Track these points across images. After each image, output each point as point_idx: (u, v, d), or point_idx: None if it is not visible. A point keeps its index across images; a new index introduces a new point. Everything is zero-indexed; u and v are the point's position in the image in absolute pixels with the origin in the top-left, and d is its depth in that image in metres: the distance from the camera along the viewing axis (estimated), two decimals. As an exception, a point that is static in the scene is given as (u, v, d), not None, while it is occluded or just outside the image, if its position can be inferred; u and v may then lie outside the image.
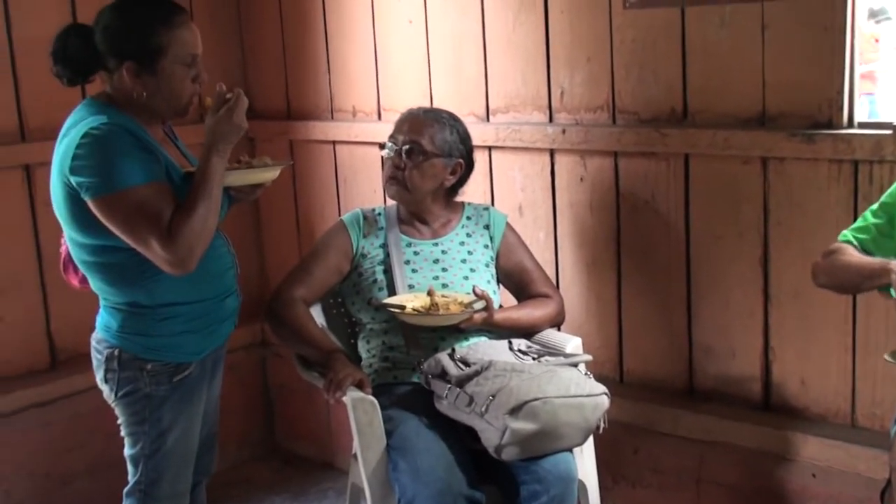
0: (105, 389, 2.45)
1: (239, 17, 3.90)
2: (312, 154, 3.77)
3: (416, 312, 2.57)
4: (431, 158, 2.75)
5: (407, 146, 2.74)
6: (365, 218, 2.87)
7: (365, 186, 3.60)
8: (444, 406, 2.46)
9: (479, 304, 2.61)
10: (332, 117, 3.68)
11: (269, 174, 2.46)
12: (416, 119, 2.80)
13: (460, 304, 2.61)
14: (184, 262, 2.22)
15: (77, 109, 2.37)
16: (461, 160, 2.81)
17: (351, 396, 2.46)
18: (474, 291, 2.63)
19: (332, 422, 3.86)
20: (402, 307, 2.59)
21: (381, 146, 2.83)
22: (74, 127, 2.28)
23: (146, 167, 2.23)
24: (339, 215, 3.62)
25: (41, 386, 3.36)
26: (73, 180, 2.22)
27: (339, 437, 3.82)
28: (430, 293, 2.62)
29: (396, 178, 2.76)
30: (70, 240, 2.37)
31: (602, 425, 2.45)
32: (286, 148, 3.82)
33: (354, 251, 2.82)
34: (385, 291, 2.73)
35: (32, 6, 3.28)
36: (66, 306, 3.40)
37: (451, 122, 2.81)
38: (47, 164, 3.20)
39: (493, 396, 2.33)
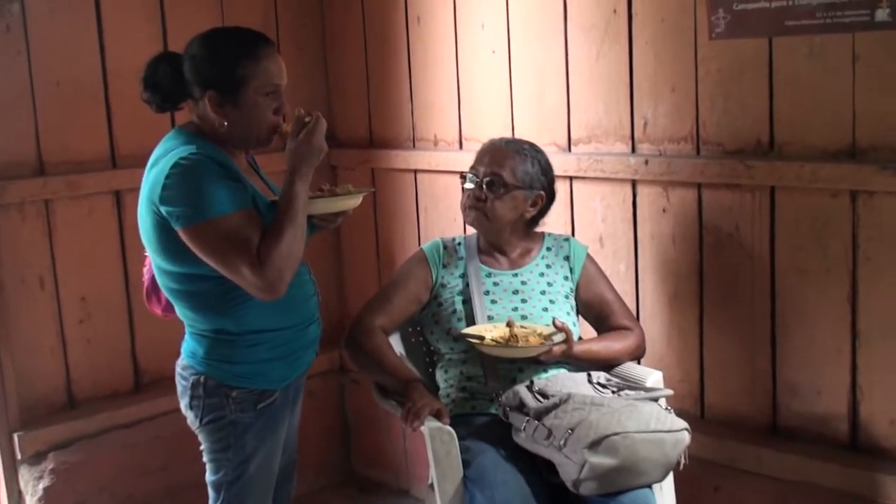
0: (189, 416, 2.47)
1: (324, 49, 3.96)
2: (394, 182, 3.79)
3: (495, 343, 2.56)
4: (512, 191, 2.74)
5: (488, 178, 2.74)
6: (445, 247, 2.87)
7: (445, 215, 3.61)
8: (521, 438, 2.44)
9: (559, 337, 2.59)
10: (414, 146, 3.70)
11: (351, 202, 2.46)
12: (498, 150, 2.79)
13: (539, 335, 2.59)
14: (274, 286, 2.23)
15: (166, 139, 2.41)
16: (542, 192, 2.79)
17: (429, 426, 2.46)
18: (554, 324, 2.60)
19: (408, 450, 3.86)
20: (482, 338, 2.58)
21: (462, 176, 2.83)
22: (164, 157, 2.31)
23: (235, 195, 2.25)
24: (420, 244, 3.66)
25: (125, 408, 3.42)
26: (163, 209, 2.25)
27: (415, 466, 3.82)
28: (509, 324, 2.60)
29: (476, 206, 2.76)
30: (157, 268, 2.41)
31: (682, 462, 2.40)
32: (368, 176, 3.85)
33: (434, 281, 2.82)
34: (464, 322, 2.72)
35: (125, 37, 3.38)
36: (150, 330, 3.46)
37: (532, 153, 2.80)
38: (136, 189, 3.27)
39: (572, 430, 2.31)
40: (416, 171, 3.70)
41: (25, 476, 3.24)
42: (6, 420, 3.18)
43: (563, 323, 2.61)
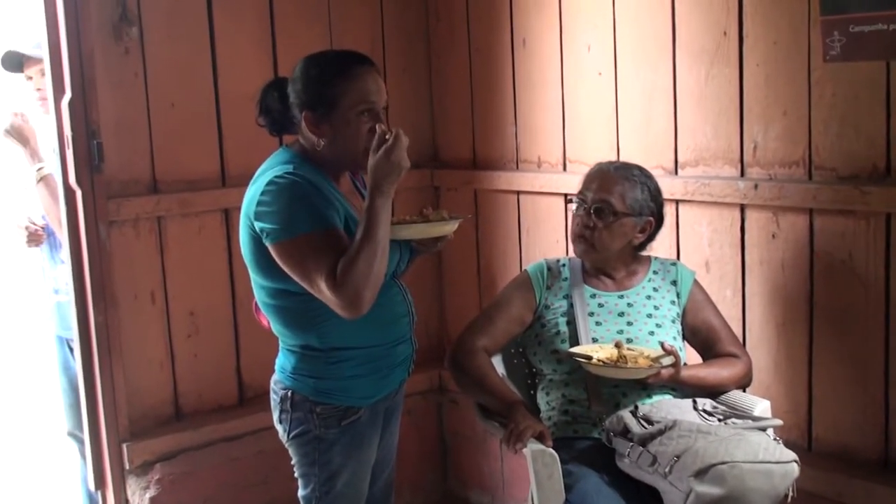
0: (280, 429, 2.52)
1: (430, 70, 4.00)
2: (496, 204, 3.80)
3: (602, 363, 2.53)
4: (621, 218, 2.71)
5: (597, 205, 2.71)
6: (549, 269, 2.86)
7: (548, 237, 3.59)
8: (625, 464, 2.40)
9: (668, 360, 2.55)
10: (518, 168, 3.70)
11: (448, 228, 2.46)
12: (607, 176, 2.75)
13: (647, 358, 2.56)
14: (353, 305, 2.24)
15: (270, 157, 2.47)
16: (651, 218, 2.76)
17: (531, 448, 2.44)
18: (663, 347, 2.57)
19: (505, 471, 3.84)
20: (589, 357, 2.56)
21: (568, 200, 2.81)
22: (263, 174, 2.38)
23: (322, 214, 2.29)
24: (521, 266, 3.66)
25: (229, 422, 3.49)
26: (257, 226, 2.31)
27: (512, 488, 3.80)
28: (617, 346, 2.58)
29: (584, 236, 2.73)
30: (254, 282, 2.47)
31: (790, 495, 2.34)
32: (471, 197, 3.87)
33: (538, 302, 2.81)
34: (567, 343, 2.70)
35: (237, 61, 3.47)
36: (254, 345, 3.53)
37: (642, 178, 2.76)
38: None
39: (678, 457, 2.27)
40: (518, 193, 3.70)
41: (133, 486, 3.32)
42: (116, 430, 3.27)
43: (671, 346, 2.57)
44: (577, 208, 2.75)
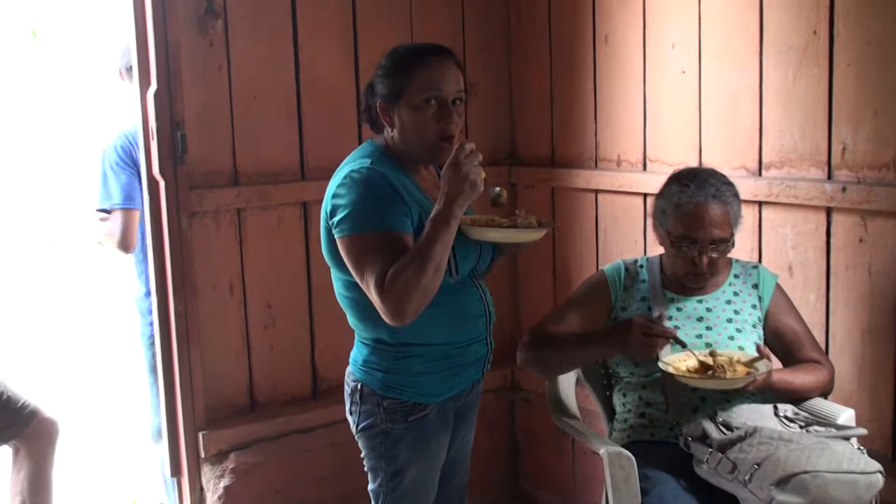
0: (350, 421, 2.53)
1: (509, 67, 3.97)
2: (574, 202, 3.76)
3: (698, 376, 2.46)
4: (732, 239, 2.63)
5: (712, 245, 2.59)
6: (626, 270, 2.82)
7: (626, 237, 3.55)
8: (703, 471, 2.36)
9: (763, 365, 2.47)
10: (596, 166, 3.66)
11: (534, 235, 2.44)
12: (709, 210, 2.58)
13: (739, 362, 2.49)
14: (394, 314, 2.22)
15: (355, 150, 2.48)
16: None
17: (608, 451, 2.41)
18: (758, 349, 2.52)
19: (577, 472, 3.81)
20: (679, 370, 2.49)
21: (673, 240, 2.64)
22: (344, 167, 2.40)
23: (390, 215, 2.28)
24: (598, 265, 3.62)
25: (303, 413, 3.51)
26: (330, 219, 2.33)
27: (584, 489, 3.77)
28: (712, 353, 2.51)
29: (702, 274, 2.63)
30: (332, 273, 2.48)
31: (875, 506, 2.28)
32: (548, 195, 3.84)
33: (613, 303, 2.77)
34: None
35: (319, 55, 3.49)
36: (329, 338, 3.55)
37: (732, 193, 2.64)
38: (321, 202, 3.39)
39: (759, 465, 2.22)
40: (597, 192, 3.66)
41: (207, 474, 3.37)
42: (193, 419, 3.32)
43: (765, 349, 2.51)
44: (690, 252, 2.60)
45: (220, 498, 3.36)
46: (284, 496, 3.48)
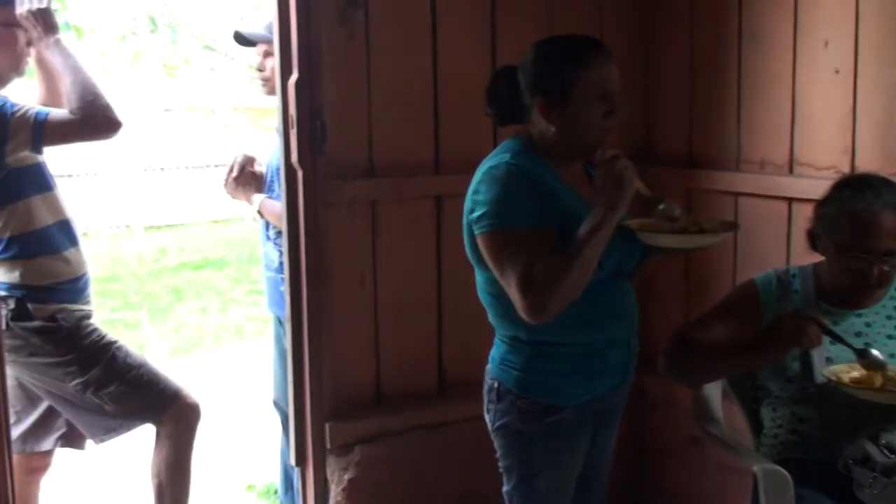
0: (486, 420, 2.50)
1: (647, 64, 3.86)
2: (711, 205, 3.63)
3: (865, 387, 2.34)
4: None
5: (886, 256, 2.44)
6: (779, 280, 2.69)
7: (767, 244, 3.40)
8: (866, 495, 2.25)
9: None
10: (738, 168, 3.53)
11: (706, 241, 2.36)
12: (887, 220, 2.42)
13: None
14: (534, 311, 2.18)
15: (498, 146, 2.43)
16: None
17: (762, 468, 2.31)
18: None
19: (705, 485, 3.69)
20: (846, 382, 2.37)
21: (842, 250, 2.49)
22: (485, 164, 2.36)
23: (532, 211, 2.23)
24: (735, 273, 3.49)
25: (429, 409, 3.47)
26: (470, 215, 2.30)
27: (713, 502, 3.65)
28: (882, 366, 2.39)
29: (877, 285, 2.49)
30: (476, 271, 2.44)
31: None
32: (685, 197, 3.71)
33: (764, 315, 2.64)
34: (797, 362, 2.52)
35: (457, 48, 3.43)
36: (457, 334, 3.50)
37: None
38: (456, 195, 3.33)
39: (930, 493, 2.10)
40: (737, 195, 3.52)
41: (332, 465, 3.35)
42: (321, 409, 3.30)
43: None
44: (857, 262, 2.46)
45: (343, 490, 3.35)
46: (407, 492, 3.44)
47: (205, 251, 12.07)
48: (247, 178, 3.72)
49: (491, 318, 2.47)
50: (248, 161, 3.74)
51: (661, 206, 2.33)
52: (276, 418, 3.88)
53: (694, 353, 2.59)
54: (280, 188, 3.32)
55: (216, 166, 12.65)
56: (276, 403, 3.87)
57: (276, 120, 3.34)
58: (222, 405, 5.57)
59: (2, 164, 2.91)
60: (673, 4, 3.74)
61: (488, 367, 2.49)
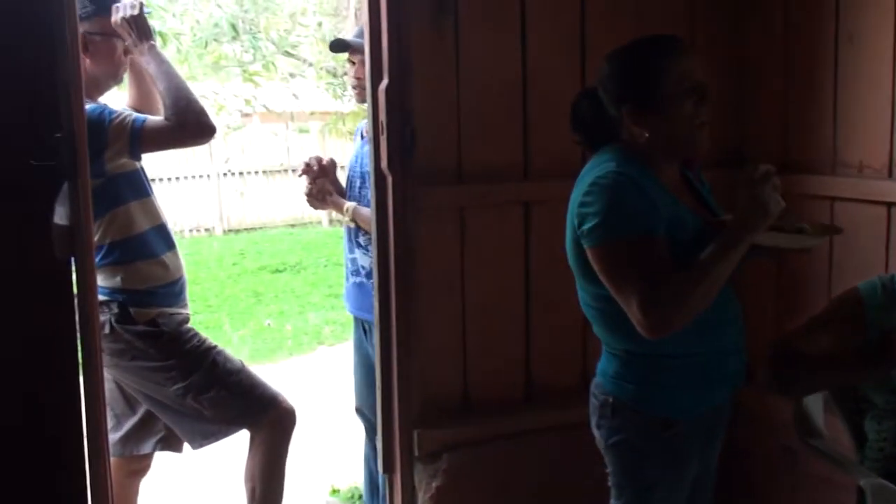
0: (597, 435, 2.43)
1: (739, 65, 3.77)
2: (806, 210, 3.51)
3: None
4: None
5: None
6: (883, 287, 2.60)
7: (865, 250, 3.30)
8: (982, 513, 2.16)
9: None
10: (834, 171, 3.43)
11: (811, 242, 2.31)
12: None
13: None
14: (654, 328, 2.12)
15: (595, 156, 2.38)
16: None
17: (871, 483, 2.24)
18: None
19: (798, 499, 3.59)
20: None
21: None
22: (588, 174, 2.30)
23: (643, 220, 2.17)
24: (831, 280, 3.40)
25: (516, 417, 3.44)
26: (579, 228, 2.24)
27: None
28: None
29: None
30: (577, 284, 2.40)
31: None
32: (778, 201, 3.63)
33: (869, 324, 2.56)
34: (905, 371, 2.45)
35: (546, 53, 3.39)
36: (545, 342, 3.48)
37: None
38: (545, 202, 3.31)
39: None
40: (833, 200, 3.43)
41: (420, 472, 3.34)
42: (408, 416, 3.30)
43: None
44: None
45: (431, 498, 3.33)
46: (496, 500, 3.42)
47: (283, 255, 12.19)
48: (323, 191, 3.71)
49: (598, 331, 2.41)
50: (322, 170, 3.73)
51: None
52: (359, 423, 3.88)
53: (799, 365, 2.51)
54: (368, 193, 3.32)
55: (293, 171, 12.81)
56: (358, 410, 3.87)
57: (354, 125, 3.34)
58: (304, 408, 5.59)
59: (102, 172, 2.95)
60: (766, 6, 3.66)
61: (598, 381, 2.42)
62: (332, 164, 3.77)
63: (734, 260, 2.14)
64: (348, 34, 3.73)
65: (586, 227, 2.21)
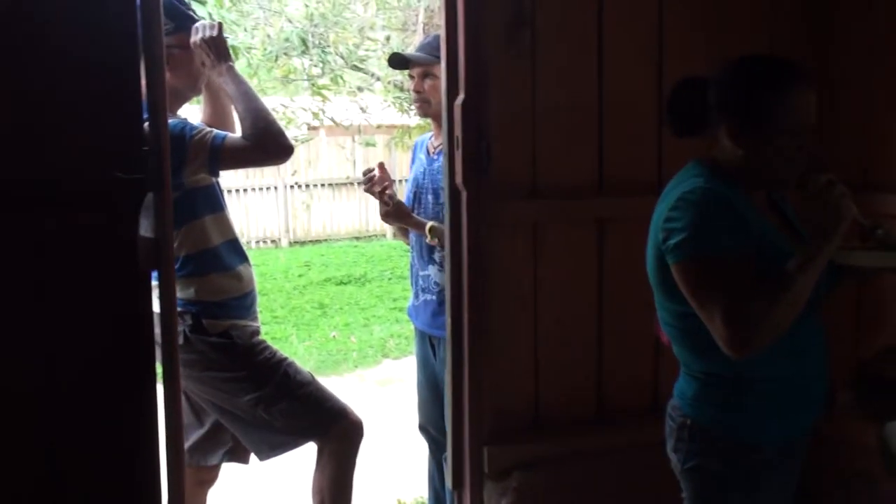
0: (673, 459, 2.37)
1: (820, 79, 3.70)
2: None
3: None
4: None
5: None
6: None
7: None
8: None
9: None
10: (916, 191, 3.35)
11: None
12: None
13: None
14: (737, 347, 2.07)
15: (681, 171, 2.34)
16: None
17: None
18: None
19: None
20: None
21: None
22: (674, 189, 2.25)
23: (731, 239, 2.12)
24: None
25: (588, 436, 3.40)
26: (663, 244, 2.19)
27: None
28: None
29: None
30: (657, 301, 2.35)
31: None
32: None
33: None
34: None
35: (622, 68, 3.36)
36: (617, 360, 3.43)
37: None
38: (619, 219, 3.26)
39: None
40: (915, 220, 3.35)
41: (489, 490, 3.31)
42: (479, 433, 3.27)
43: None
44: None
45: (500, 516, 3.31)
46: (566, 520, 3.39)
47: (347, 267, 12.26)
48: (400, 210, 3.68)
49: (678, 351, 2.36)
50: (383, 174, 3.70)
51: (878, 232, 2.21)
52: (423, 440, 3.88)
53: (882, 391, 2.45)
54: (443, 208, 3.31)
55: (359, 184, 12.88)
56: (422, 428, 3.86)
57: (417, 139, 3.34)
58: (370, 420, 5.61)
59: (179, 185, 2.98)
60: (847, 26, 3.59)
61: (675, 403, 2.37)
62: (384, 170, 3.73)
63: (816, 273, 2.09)
64: (414, 49, 3.73)
65: (672, 242, 2.16)
